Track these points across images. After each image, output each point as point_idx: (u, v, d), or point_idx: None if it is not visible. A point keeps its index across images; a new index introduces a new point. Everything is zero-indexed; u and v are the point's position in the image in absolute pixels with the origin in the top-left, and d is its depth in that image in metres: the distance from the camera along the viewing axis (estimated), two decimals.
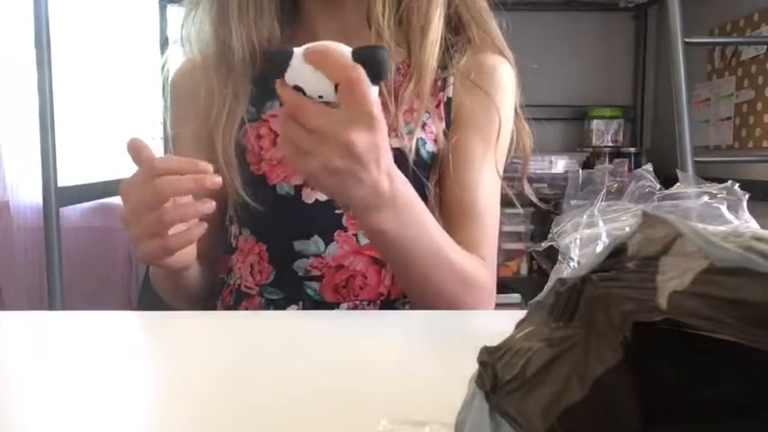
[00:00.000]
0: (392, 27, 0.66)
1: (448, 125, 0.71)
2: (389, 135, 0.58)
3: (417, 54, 0.66)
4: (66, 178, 1.47)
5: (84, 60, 2.09)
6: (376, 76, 0.47)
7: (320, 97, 0.48)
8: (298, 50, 0.48)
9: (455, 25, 0.72)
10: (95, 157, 2.12)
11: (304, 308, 0.68)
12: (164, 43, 2.22)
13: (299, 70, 0.47)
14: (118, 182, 0.56)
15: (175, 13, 2.36)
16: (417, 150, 0.68)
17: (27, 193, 2.08)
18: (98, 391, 0.35)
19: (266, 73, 0.70)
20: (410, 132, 0.68)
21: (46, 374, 0.39)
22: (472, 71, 0.70)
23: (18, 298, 2.08)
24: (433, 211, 0.68)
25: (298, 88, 0.48)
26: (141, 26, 2.27)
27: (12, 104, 2.02)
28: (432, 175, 0.70)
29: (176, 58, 0.78)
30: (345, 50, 0.47)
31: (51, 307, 1.42)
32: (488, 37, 0.72)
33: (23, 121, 1.96)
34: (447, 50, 0.71)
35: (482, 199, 0.69)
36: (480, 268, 0.64)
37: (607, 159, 2.55)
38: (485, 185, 0.69)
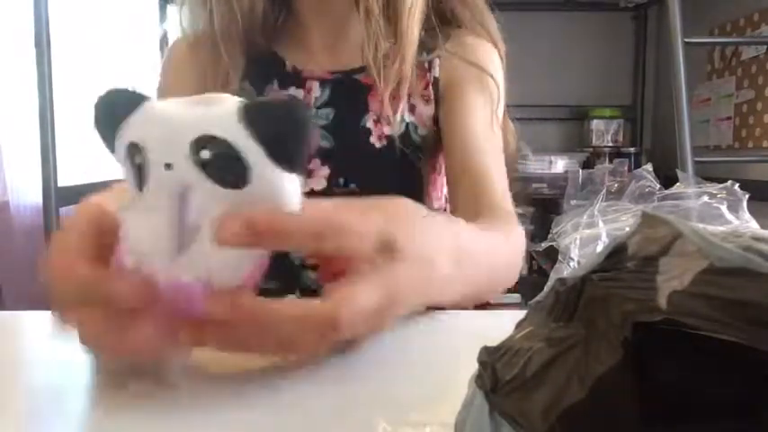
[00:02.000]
0: (381, 3, 0.65)
1: (437, 105, 0.71)
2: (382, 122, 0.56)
3: (401, 28, 0.66)
4: (66, 178, 1.47)
5: (84, 60, 2.09)
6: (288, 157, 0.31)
7: None
8: None
9: (449, 19, 0.72)
10: (95, 157, 2.12)
11: (301, 297, 0.68)
12: (164, 42, 2.23)
13: None
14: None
15: (175, 12, 2.37)
16: (409, 134, 0.69)
17: (27, 193, 2.08)
18: (98, 391, 0.35)
19: (263, 58, 0.70)
20: (401, 119, 0.68)
21: (46, 374, 0.39)
22: (459, 50, 0.71)
23: (18, 298, 2.07)
24: (421, 194, 0.69)
25: None
26: (141, 25, 2.27)
27: (12, 104, 2.02)
28: (424, 156, 0.71)
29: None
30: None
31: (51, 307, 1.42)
32: (484, 30, 0.73)
33: (23, 121, 1.96)
34: (428, 41, 0.71)
35: (491, 160, 0.68)
36: (514, 237, 0.60)
37: (607, 159, 2.56)
38: (491, 146, 0.69)
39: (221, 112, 0.31)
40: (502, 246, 0.58)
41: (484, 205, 0.64)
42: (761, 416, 0.16)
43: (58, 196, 1.41)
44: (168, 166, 0.31)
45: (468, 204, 0.65)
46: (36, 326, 0.50)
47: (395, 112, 0.67)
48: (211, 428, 0.30)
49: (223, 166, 0.30)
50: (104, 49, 2.15)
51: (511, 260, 0.59)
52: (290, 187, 0.32)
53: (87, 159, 2.09)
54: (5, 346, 0.45)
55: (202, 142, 0.30)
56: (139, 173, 0.32)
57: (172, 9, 2.31)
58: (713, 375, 0.17)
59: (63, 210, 1.45)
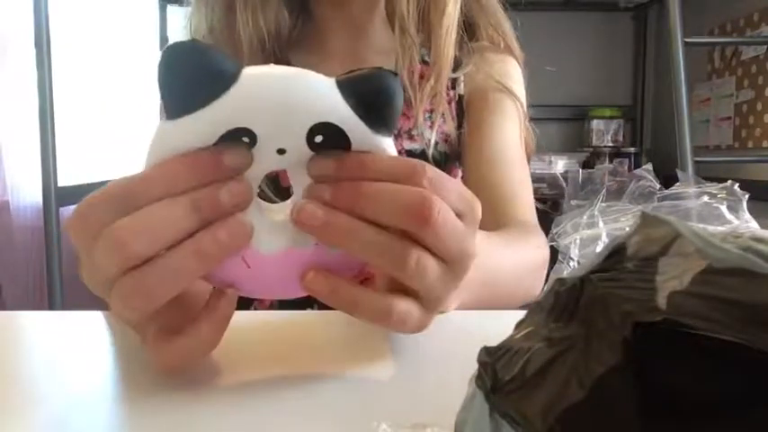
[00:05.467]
0: (416, 20, 0.65)
1: (459, 124, 0.71)
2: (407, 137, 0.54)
3: (438, 47, 0.66)
4: (66, 178, 1.47)
5: (84, 60, 2.09)
6: (381, 119, 0.32)
7: None
8: None
9: (467, 29, 0.72)
10: (95, 157, 2.12)
11: (320, 310, 0.68)
12: (164, 43, 2.23)
13: None
14: None
15: (175, 12, 2.37)
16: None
17: (27, 193, 2.08)
18: (98, 391, 0.35)
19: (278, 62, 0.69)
20: (427, 130, 0.69)
21: (46, 374, 0.39)
22: (483, 67, 0.71)
23: (18, 298, 2.08)
24: None
25: None
26: (141, 26, 2.27)
27: (12, 104, 2.02)
28: (444, 171, 0.71)
29: None
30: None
31: (51, 307, 1.42)
32: (501, 37, 0.73)
33: (23, 121, 1.96)
34: (457, 53, 0.71)
35: (516, 173, 0.68)
36: (540, 249, 0.60)
37: (607, 159, 2.56)
38: (516, 160, 0.68)
39: (325, 94, 0.32)
40: (522, 254, 0.57)
41: (505, 216, 0.63)
42: (761, 416, 0.16)
43: (57, 196, 1.41)
44: (281, 151, 0.32)
45: (487, 216, 0.64)
46: (37, 326, 0.50)
47: (432, 128, 0.68)
48: (209, 427, 0.30)
49: (331, 143, 0.32)
50: (104, 50, 2.15)
51: (531, 269, 0.58)
52: (387, 147, 0.33)
53: (87, 159, 2.09)
54: (5, 346, 0.45)
55: (317, 129, 0.32)
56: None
57: (172, 9, 2.31)
58: (713, 375, 0.17)
59: (63, 210, 1.45)
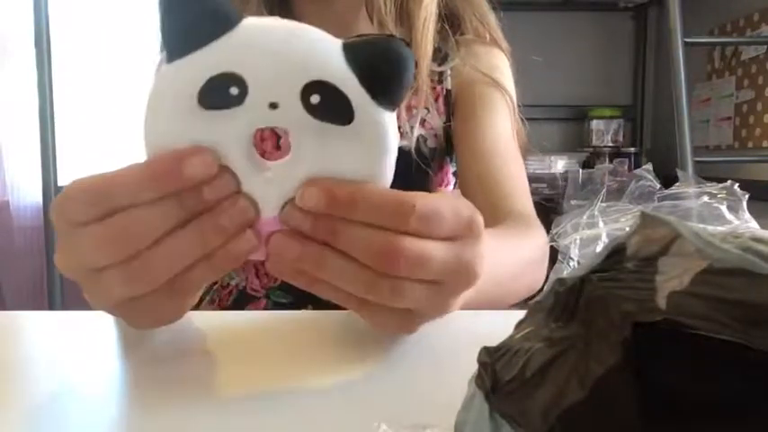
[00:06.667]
0: (394, 15, 0.65)
1: (448, 118, 0.71)
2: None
3: (417, 40, 0.65)
4: (66, 178, 1.47)
5: (84, 60, 2.09)
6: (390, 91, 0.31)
7: None
8: None
9: (452, 22, 0.72)
10: (95, 156, 2.12)
11: (315, 310, 0.67)
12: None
13: None
14: None
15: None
16: (419, 147, 0.68)
17: (27, 193, 2.08)
18: (98, 392, 0.35)
19: None
20: (411, 128, 0.68)
21: (46, 375, 0.39)
22: (470, 61, 0.70)
23: (18, 297, 2.08)
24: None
25: None
26: (141, 26, 2.27)
27: (12, 104, 2.02)
28: (432, 169, 0.70)
29: None
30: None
31: (51, 307, 1.42)
32: (486, 30, 0.72)
33: (23, 121, 1.96)
34: (442, 46, 0.71)
35: (511, 168, 0.67)
36: (540, 242, 0.60)
37: (607, 159, 2.56)
38: (510, 155, 0.68)
39: (328, 53, 0.30)
40: (523, 248, 0.57)
41: (503, 211, 0.63)
42: (761, 416, 0.16)
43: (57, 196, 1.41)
44: (273, 105, 0.31)
45: (486, 212, 0.64)
46: (37, 326, 0.50)
47: (411, 125, 0.67)
48: (208, 428, 0.30)
49: (331, 108, 0.31)
50: (104, 50, 2.15)
51: (533, 262, 0.58)
52: (390, 124, 0.32)
53: (87, 159, 2.09)
54: (5, 346, 0.45)
55: (313, 87, 0.30)
56: (219, 98, 0.30)
57: None
58: (713, 375, 0.17)
59: None
